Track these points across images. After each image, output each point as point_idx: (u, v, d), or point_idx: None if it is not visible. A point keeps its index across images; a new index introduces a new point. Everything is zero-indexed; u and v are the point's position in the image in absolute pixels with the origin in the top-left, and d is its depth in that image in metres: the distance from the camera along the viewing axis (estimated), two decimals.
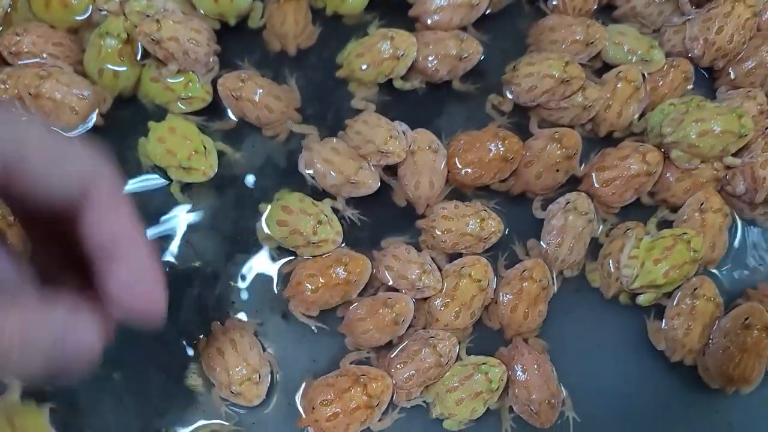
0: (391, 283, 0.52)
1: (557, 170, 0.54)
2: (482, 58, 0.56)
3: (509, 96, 0.56)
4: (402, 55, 0.54)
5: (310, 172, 0.53)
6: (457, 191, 0.55)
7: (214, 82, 0.54)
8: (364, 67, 0.55)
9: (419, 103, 0.57)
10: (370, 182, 0.53)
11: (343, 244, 0.53)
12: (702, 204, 0.53)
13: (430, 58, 0.55)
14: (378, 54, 0.54)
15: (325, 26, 0.57)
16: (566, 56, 0.54)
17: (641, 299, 0.52)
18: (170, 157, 0.52)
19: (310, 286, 0.50)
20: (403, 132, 0.54)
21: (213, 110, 0.54)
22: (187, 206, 0.54)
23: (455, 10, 0.55)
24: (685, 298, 0.52)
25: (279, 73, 0.56)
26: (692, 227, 0.52)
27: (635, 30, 0.57)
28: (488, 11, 0.57)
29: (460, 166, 0.54)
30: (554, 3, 0.58)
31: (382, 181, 0.54)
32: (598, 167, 0.54)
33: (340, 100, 0.57)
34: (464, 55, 0.55)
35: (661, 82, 0.56)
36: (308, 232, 0.51)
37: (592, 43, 0.55)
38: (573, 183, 0.55)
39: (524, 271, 0.52)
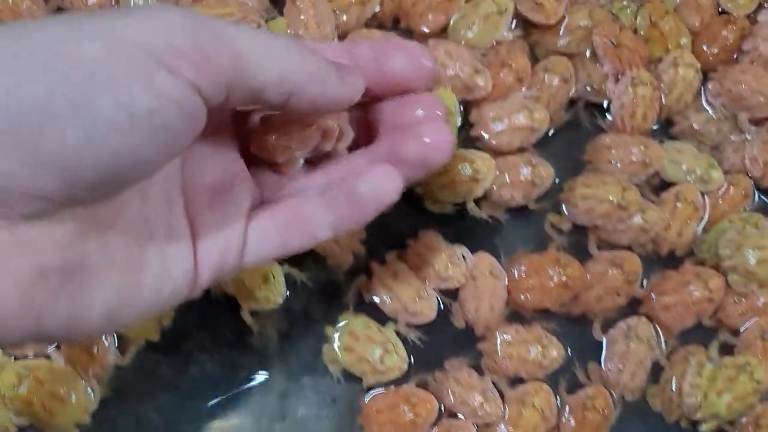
0: (453, 408, 0.53)
1: (618, 294, 0.55)
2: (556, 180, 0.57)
3: (566, 214, 0.57)
4: (481, 179, 0.55)
5: (375, 298, 0.55)
6: (516, 312, 0.56)
7: None
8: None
9: (476, 220, 0.58)
10: (427, 313, 0.54)
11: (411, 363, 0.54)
12: (764, 332, 0.53)
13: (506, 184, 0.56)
14: (457, 175, 0.55)
15: None
16: (623, 181, 0.55)
17: (704, 428, 0.52)
18: (241, 286, 0.54)
19: (377, 423, 0.52)
20: (463, 256, 0.56)
21: None
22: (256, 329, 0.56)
23: (515, 132, 0.56)
24: (749, 426, 0.52)
25: None
26: (754, 355, 0.53)
27: (693, 147, 0.57)
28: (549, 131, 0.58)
29: (520, 291, 0.55)
30: (611, 119, 0.58)
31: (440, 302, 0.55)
32: (659, 291, 0.55)
33: (404, 225, 0.57)
34: (537, 180, 0.56)
35: (720, 200, 0.57)
36: (375, 360, 0.52)
37: (649, 164, 0.56)
38: (634, 302, 0.56)
39: (587, 399, 0.53)
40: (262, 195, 0.43)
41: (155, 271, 0.36)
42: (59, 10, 0.58)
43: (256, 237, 0.41)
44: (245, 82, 0.30)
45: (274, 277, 0.54)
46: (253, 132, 0.41)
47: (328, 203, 0.40)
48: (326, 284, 0.57)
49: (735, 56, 0.60)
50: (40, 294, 0.29)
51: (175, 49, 0.28)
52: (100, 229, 0.32)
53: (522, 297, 0.55)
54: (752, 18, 0.61)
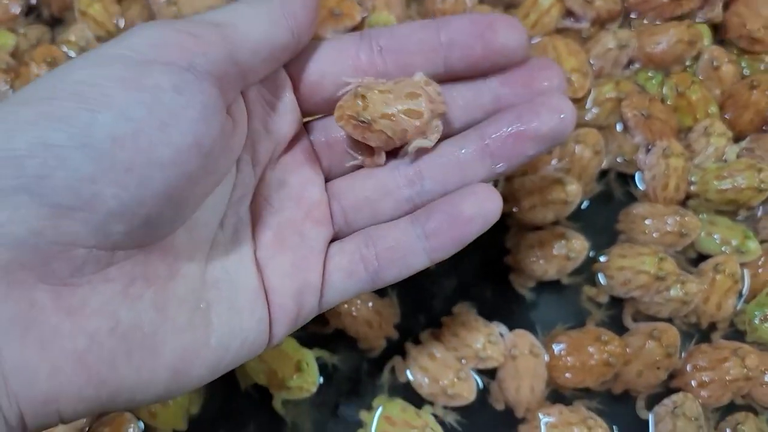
0: None
1: (658, 368, 0.53)
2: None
3: (603, 286, 0.56)
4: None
5: (412, 380, 0.53)
6: (557, 391, 0.54)
7: None
8: None
9: (512, 296, 0.57)
10: (465, 395, 0.53)
11: None
12: None
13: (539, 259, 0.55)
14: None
15: None
16: (660, 251, 0.54)
17: None
18: (273, 376, 0.52)
19: None
20: (501, 334, 0.54)
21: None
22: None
23: (548, 206, 0.55)
24: None
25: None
26: None
27: (727, 219, 0.57)
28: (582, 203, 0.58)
29: (561, 371, 0.53)
30: (644, 190, 0.58)
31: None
32: (694, 366, 0.53)
33: (437, 302, 0.57)
34: (572, 254, 0.55)
35: (760, 270, 0.56)
36: None
37: (686, 234, 0.55)
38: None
39: None
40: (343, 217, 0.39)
41: (222, 327, 0.32)
42: None
43: (339, 275, 0.37)
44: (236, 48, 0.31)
45: (307, 365, 0.52)
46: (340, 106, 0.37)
47: (423, 227, 0.37)
48: (359, 367, 0.55)
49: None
50: (95, 359, 0.27)
51: (158, 45, 0.28)
52: (152, 286, 0.30)
53: (563, 376, 0.53)
54: None
